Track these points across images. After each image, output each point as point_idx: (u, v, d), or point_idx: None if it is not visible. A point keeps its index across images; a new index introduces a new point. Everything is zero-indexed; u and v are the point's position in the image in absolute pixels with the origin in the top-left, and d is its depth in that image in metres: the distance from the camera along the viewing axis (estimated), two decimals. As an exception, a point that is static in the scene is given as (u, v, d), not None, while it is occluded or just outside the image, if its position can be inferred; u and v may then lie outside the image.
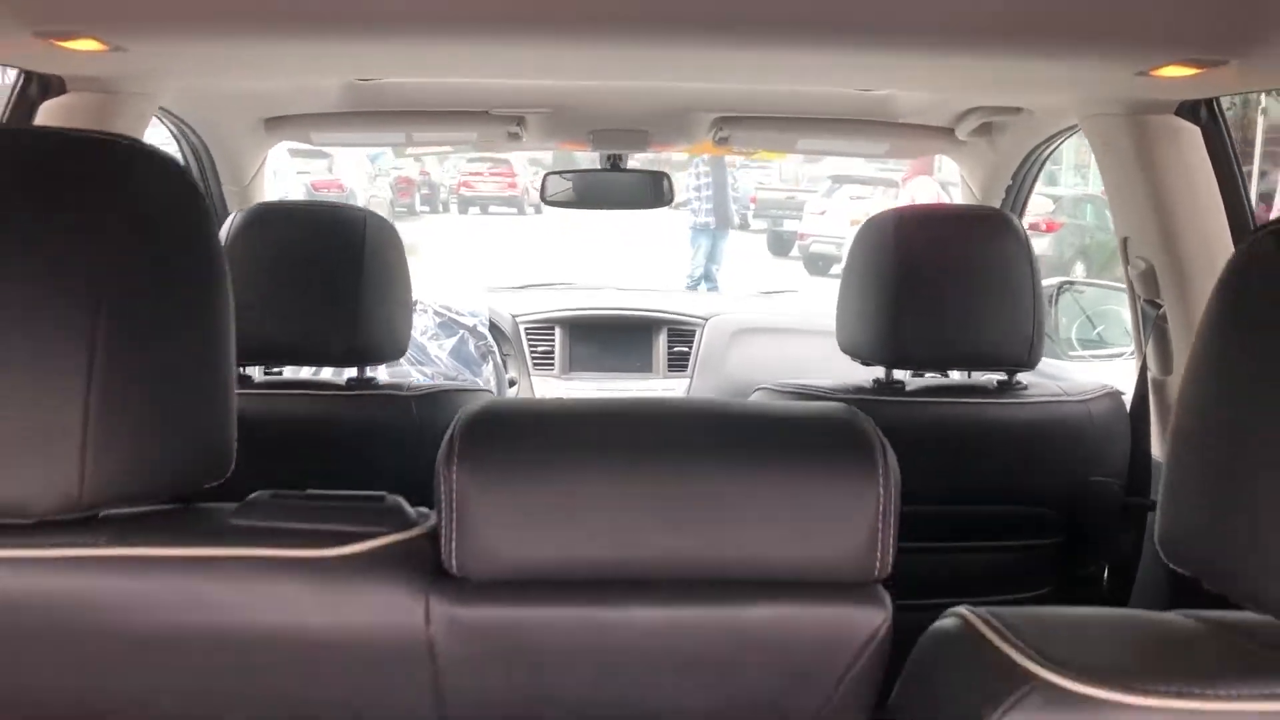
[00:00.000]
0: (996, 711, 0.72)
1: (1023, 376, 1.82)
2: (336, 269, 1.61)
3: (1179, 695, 0.71)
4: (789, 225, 17.38)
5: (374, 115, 2.33)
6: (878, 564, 0.81)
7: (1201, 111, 1.78)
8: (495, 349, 2.88)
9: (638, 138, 2.50)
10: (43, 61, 1.57)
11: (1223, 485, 0.77)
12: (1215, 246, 1.84)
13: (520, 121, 2.38)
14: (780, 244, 17.18)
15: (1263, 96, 15.16)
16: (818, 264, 14.40)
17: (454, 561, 0.79)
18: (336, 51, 1.73)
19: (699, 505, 0.80)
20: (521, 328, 3.07)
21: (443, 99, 2.29)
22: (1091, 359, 3.10)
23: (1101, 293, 3.17)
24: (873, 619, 0.82)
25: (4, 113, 1.65)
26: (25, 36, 1.34)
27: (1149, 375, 1.92)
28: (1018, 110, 2.20)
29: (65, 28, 1.33)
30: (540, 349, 3.05)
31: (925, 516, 1.60)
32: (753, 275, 11.04)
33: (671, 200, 2.81)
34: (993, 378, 1.83)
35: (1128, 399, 1.90)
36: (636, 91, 2.23)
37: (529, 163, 26.47)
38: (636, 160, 2.83)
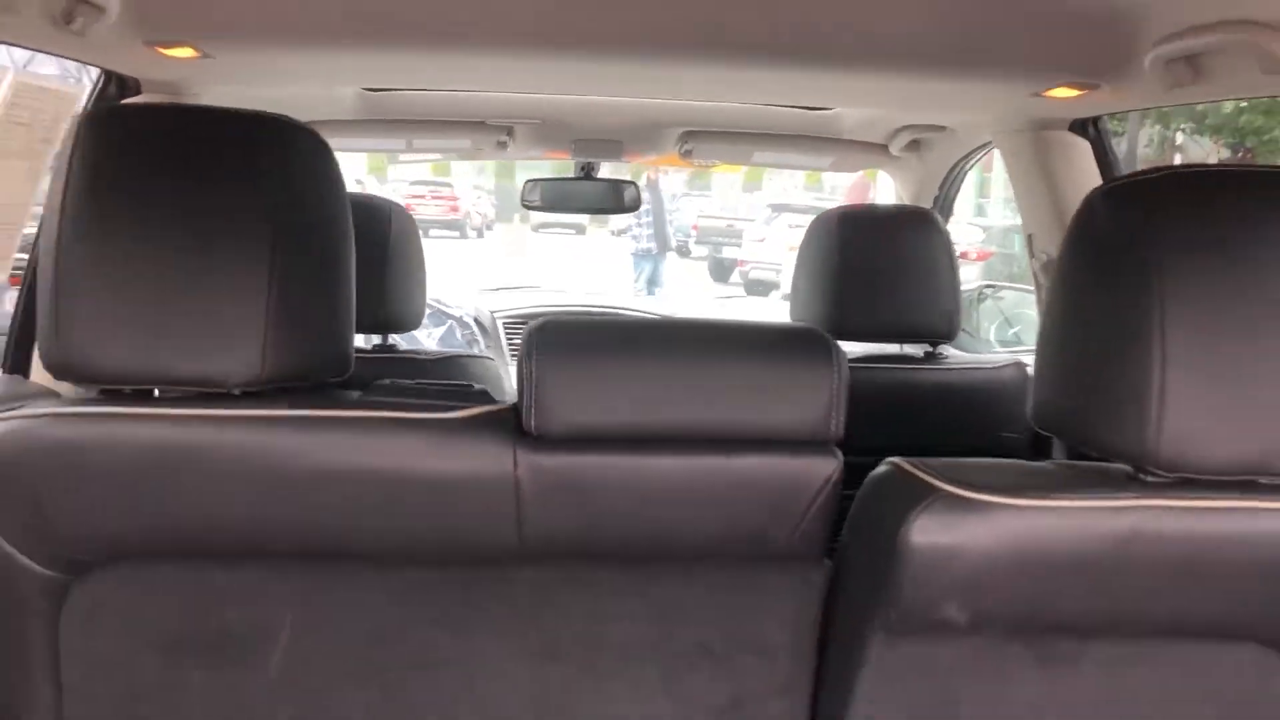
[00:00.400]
0: (913, 512, 1.04)
1: (944, 349, 2.18)
2: (366, 250, 1.91)
3: (1033, 497, 1.04)
4: (729, 252, 17.82)
5: (380, 123, 2.62)
6: (832, 427, 1.13)
7: (1090, 129, 2.16)
8: (480, 339, 3.18)
9: (613, 147, 2.82)
10: (132, 65, 1.85)
11: (1071, 372, 1.11)
12: None
13: (510, 131, 2.69)
14: (721, 270, 17.61)
15: (1179, 136, 16.01)
16: (757, 289, 14.86)
17: (533, 424, 1.10)
18: (366, 61, 2.04)
19: (706, 384, 1.12)
20: (500, 323, 3.37)
21: (442, 109, 2.60)
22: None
23: (1018, 296, 3.55)
24: (828, 467, 1.13)
25: (87, 100, 1.92)
26: (137, 44, 1.63)
27: None
28: (942, 128, 2.57)
29: (174, 37, 1.62)
30: (517, 341, 3.34)
31: (862, 466, 1.93)
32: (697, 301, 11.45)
33: (638, 207, 3.14)
34: (919, 349, 2.18)
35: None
36: (613, 107, 2.55)
37: (472, 188, 26.74)
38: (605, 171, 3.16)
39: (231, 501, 1.10)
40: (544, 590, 1.17)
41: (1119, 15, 1.46)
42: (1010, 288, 3.85)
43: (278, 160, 1.10)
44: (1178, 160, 16.36)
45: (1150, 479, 1.06)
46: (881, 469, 1.16)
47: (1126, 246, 1.05)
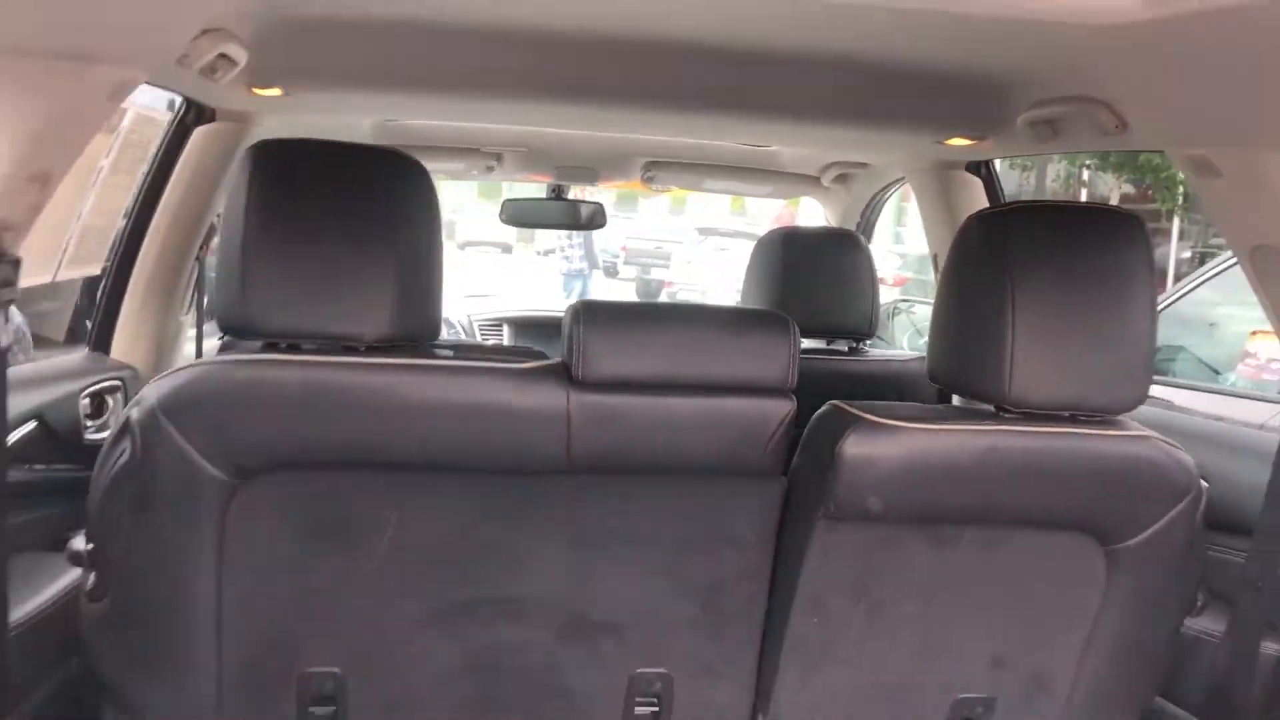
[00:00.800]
0: (846, 433, 1.52)
1: (864, 345, 2.69)
2: None
3: (925, 424, 1.53)
4: (656, 273, 18.33)
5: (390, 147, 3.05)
6: (789, 379, 1.59)
7: (982, 169, 2.68)
8: (462, 337, 3.61)
9: (589, 174, 3.29)
10: (221, 99, 2.25)
11: (953, 341, 1.60)
12: None
13: (499, 157, 3.14)
14: (649, 290, 18.09)
15: (1085, 173, 17.03)
16: (684, 309, 15.38)
17: (579, 373, 1.54)
18: (397, 100, 2.47)
19: (702, 347, 1.58)
20: (476, 325, 3.80)
21: (442, 137, 3.04)
22: (919, 361, 3.99)
23: (927, 309, 4.07)
24: (786, 406, 1.59)
25: (169, 126, 2.32)
26: (241, 86, 2.04)
27: None
28: (865, 165, 3.08)
29: (271, 81, 2.04)
30: (491, 341, 3.79)
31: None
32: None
33: (603, 224, 3.60)
34: (845, 345, 2.68)
35: None
36: (589, 140, 3.02)
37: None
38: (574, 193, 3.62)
39: (359, 426, 1.53)
40: (578, 495, 1.61)
41: (996, 88, 1.97)
42: (920, 302, 4.38)
43: (396, 182, 1.54)
44: (1084, 193, 17.39)
45: (1005, 414, 1.55)
46: (824, 409, 1.63)
47: (990, 254, 1.55)
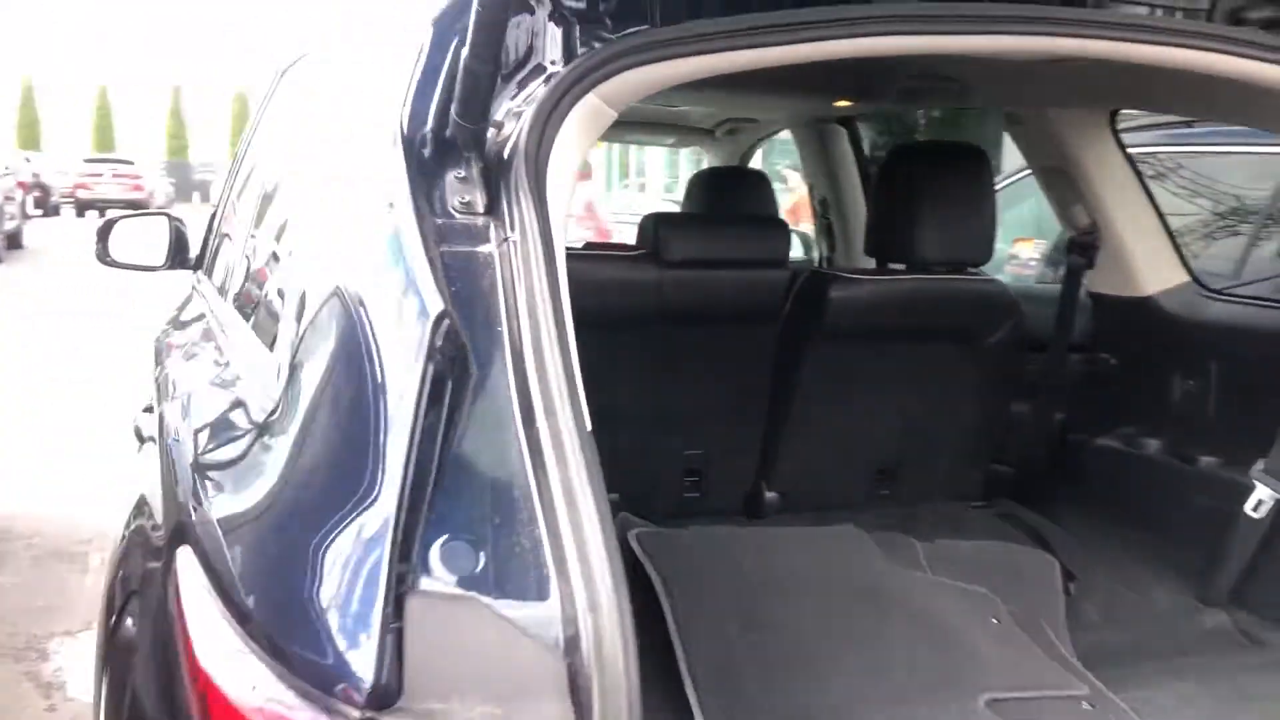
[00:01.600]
0: (831, 283, 2.50)
1: None
2: None
3: (874, 274, 2.54)
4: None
5: None
6: (786, 257, 2.56)
7: (849, 124, 3.71)
8: None
9: None
10: None
11: (880, 225, 2.62)
12: (853, 190, 3.80)
13: None
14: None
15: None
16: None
17: (664, 256, 2.45)
18: None
19: (736, 238, 2.52)
20: None
21: None
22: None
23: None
24: (784, 274, 2.55)
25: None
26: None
27: (824, 253, 3.86)
28: (754, 120, 4.07)
29: None
30: None
31: None
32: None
33: None
34: None
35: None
36: None
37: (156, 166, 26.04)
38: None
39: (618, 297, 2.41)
40: (662, 336, 2.53)
41: (880, 68, 2.97)
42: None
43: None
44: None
45: (913, 269, 2.57)
46: (809, 273, 2.60)
47: (904, 171, 2.57)
